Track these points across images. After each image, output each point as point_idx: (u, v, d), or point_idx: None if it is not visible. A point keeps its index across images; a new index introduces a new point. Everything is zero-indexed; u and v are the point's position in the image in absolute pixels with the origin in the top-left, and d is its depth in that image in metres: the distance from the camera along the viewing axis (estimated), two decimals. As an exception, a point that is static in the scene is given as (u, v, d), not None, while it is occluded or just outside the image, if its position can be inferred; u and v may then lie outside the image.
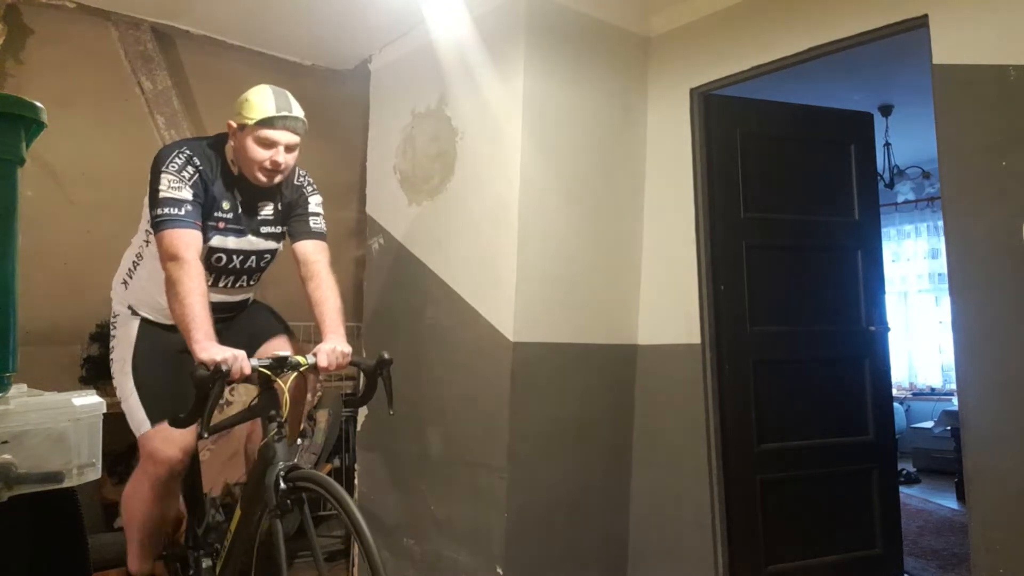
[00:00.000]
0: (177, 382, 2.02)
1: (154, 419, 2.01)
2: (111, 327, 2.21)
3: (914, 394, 6.59)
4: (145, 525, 2.11)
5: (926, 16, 2.32)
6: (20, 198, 1.24)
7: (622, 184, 3.08)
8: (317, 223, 2.21)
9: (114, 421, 2.03)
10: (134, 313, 2.15)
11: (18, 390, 1.25)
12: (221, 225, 2.05)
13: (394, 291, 3.27)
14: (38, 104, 1.25)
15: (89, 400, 1.22)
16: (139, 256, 2.14)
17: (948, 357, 6.31)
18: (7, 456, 1.09)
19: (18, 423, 1.12)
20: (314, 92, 3.59)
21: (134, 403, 2.05)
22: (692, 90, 2.99)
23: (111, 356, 2.18)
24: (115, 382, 2.13)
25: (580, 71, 2.92)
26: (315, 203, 2.23)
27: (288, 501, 1.78)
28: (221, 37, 3.31)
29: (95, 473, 1.21)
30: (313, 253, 2.16)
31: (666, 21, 3.09)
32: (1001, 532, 2.14)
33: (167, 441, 1.99)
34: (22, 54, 2.94)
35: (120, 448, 2.99)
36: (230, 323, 2.24)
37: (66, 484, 1.17)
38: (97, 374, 3.16)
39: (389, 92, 3.43)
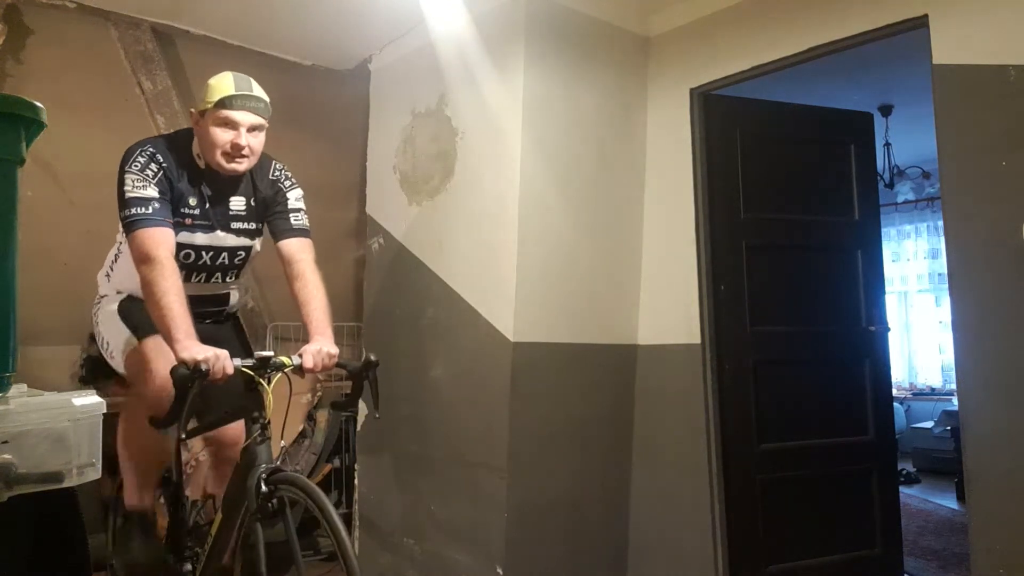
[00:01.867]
0: None
1: (139, 333, 1.96)
2: (95, 305, 2.20)
3: (914, 394, 6.59)
4: (139, 457, 2.05)
5: (926, 16, 2.32)
6: (20, 198, 1.24)
7: (622, 184, 3.08)
8: (299, 219, 2.14)
9: (114, 421, 2.03)
10: (118, 293, 2.16)
11: (18, 390, 1.26)
12: (188, 221, 2.00)
13: (394, 291, 3.27)
14: (38, 104, 1.25)
15: (89, 400, 1.22)
16: (119, 251, 2.14)
17: (948, 357, 6.31)
18: (7, 456, 1.09)
19: (18, 423, 1.12)
20: (314, 92, 3.60)
21: (119, 329, 2.02)
22: (692, 90, 2.99)
23: (96, 320, 2.16)
24: (101, 332, 2.11)
25: (580, 71, 2.92)
26: (295, 198, 2.16)
27: (269, 504, 1.74)
28: (221, 37, 3.30)
29: (95, 473, 1.22)
30: (298, 252, 2.10)
31: (666, 21, 3.09)
32: (1001, 532, 2.14)
33: (159, 353, 1.89)
34: (22, 54, 2.94)
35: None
36: (218, 327, 2.21)
37: (66, 484, 1.17)
38: (97, 374, 3.16)
39: (389, 92, 3.42)
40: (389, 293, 3.31)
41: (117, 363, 2.07)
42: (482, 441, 2.76)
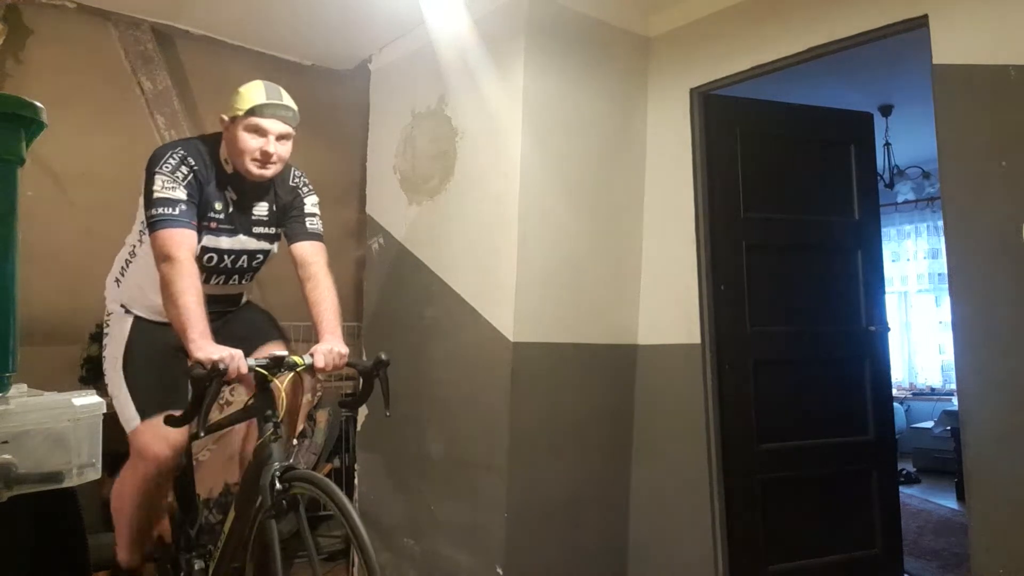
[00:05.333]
0: (169, 379, 2.01)
1: (144, 414, 1.99)
2: (104, 325, 2.21)
3: (914, 394, 6.59)
4: (133, 520, 2.09)
5: (926, 16, 2.32)
6: (20, 198, 1.24)
7: (622, 184, 3.08)
8: (314, 224, 2.20)
9: (114, 421, 2.03)
10: (127, 312, 2.15)
11: (18, 390, 1.26)
12: (213, 225, 2.04)
13: (394, 291, 3.27)
14: (38, 104, 1.25)
15: (89, 400, 1.22)
16: (132, 254, 2.14)
17: (948, 357, 6.31)
18: (7, 456, 1.09)
19: (18, 423, 1.12)
20: (314, 92, 3.59)
21: (124, 399, 2.03)
22: (692, 90, 2.99)
23: (103, 354, 2.17)
24: (107, 379, 2.12)
25: (580, 71, 2.92)
26: (311, 203, 2.22)
27: (283, 502, 1.76)
28: (221, 37, 3.31)
29: (95, 473, 1.21)
30: (311, 255, 2.15)
31: (666, 21, 3.09)
32: (1001, 532, 2.14)
33: (157, 437, 1.96)
34: (22, 54, 2.94)
35: (120, 448, 2.98)
36: (226, 321, 2.23)
37: (66, 484, 1.17)
38: (97, 374, 3.14)
39: (389, 92, 3.42)
40: (389, 293, 3.31)
41: (121, 421, 2.07)
42: (482, 441, 2.76)
